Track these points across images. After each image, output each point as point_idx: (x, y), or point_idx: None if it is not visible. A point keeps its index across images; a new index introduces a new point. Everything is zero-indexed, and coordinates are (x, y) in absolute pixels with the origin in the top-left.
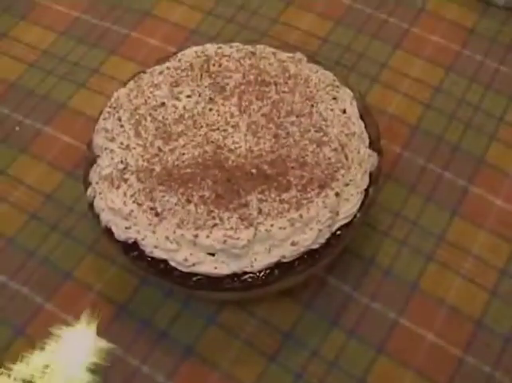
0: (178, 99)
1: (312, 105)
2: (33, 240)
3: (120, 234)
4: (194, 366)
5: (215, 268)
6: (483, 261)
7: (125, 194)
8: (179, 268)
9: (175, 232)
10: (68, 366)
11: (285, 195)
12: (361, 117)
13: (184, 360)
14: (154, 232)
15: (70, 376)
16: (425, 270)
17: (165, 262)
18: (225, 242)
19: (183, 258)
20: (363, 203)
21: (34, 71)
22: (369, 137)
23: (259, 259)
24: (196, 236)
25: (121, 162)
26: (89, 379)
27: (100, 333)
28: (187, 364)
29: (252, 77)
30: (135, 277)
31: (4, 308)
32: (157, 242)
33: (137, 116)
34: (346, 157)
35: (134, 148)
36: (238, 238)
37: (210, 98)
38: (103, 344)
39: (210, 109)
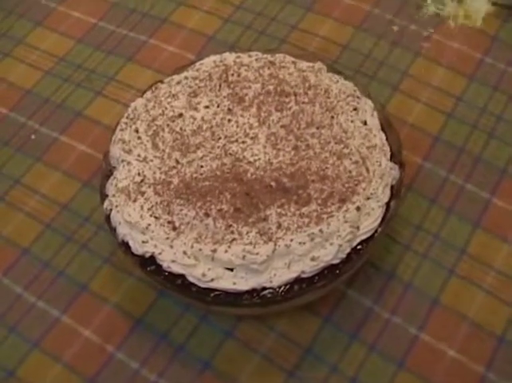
0: (196, 109)
1: (332, 117)
2: (48, 251)
3: (137, 248)
4: (211, 381)
5: (234, 284)
6: (506, 275)
7: (142, 207)
8: (197, 283)
9: (192, 247)
10: None
11: (304, 209)
12: (382, 129)
13: (201, 374)
14: (171, 247)
15: None
16: (446, 284)
17: (183, 276)
18: (244, 257)
19: (201, 273)
20: (384, 216)
21: (50, 78)
22: (390, 149)
23: (279, 275)
24: (214, 251)
25: (138, 174)
26: None
27: (117, 346)
28: (204, 379)
29: (271, 88)
30: (153, 290)
31: (20, 320)
32: (174, 256)
33: (154, 128)
34: (367, 170)
35: (151, 160)
36: (257, 254)
37: (229, 109)
38: None
39: (229, 120)
